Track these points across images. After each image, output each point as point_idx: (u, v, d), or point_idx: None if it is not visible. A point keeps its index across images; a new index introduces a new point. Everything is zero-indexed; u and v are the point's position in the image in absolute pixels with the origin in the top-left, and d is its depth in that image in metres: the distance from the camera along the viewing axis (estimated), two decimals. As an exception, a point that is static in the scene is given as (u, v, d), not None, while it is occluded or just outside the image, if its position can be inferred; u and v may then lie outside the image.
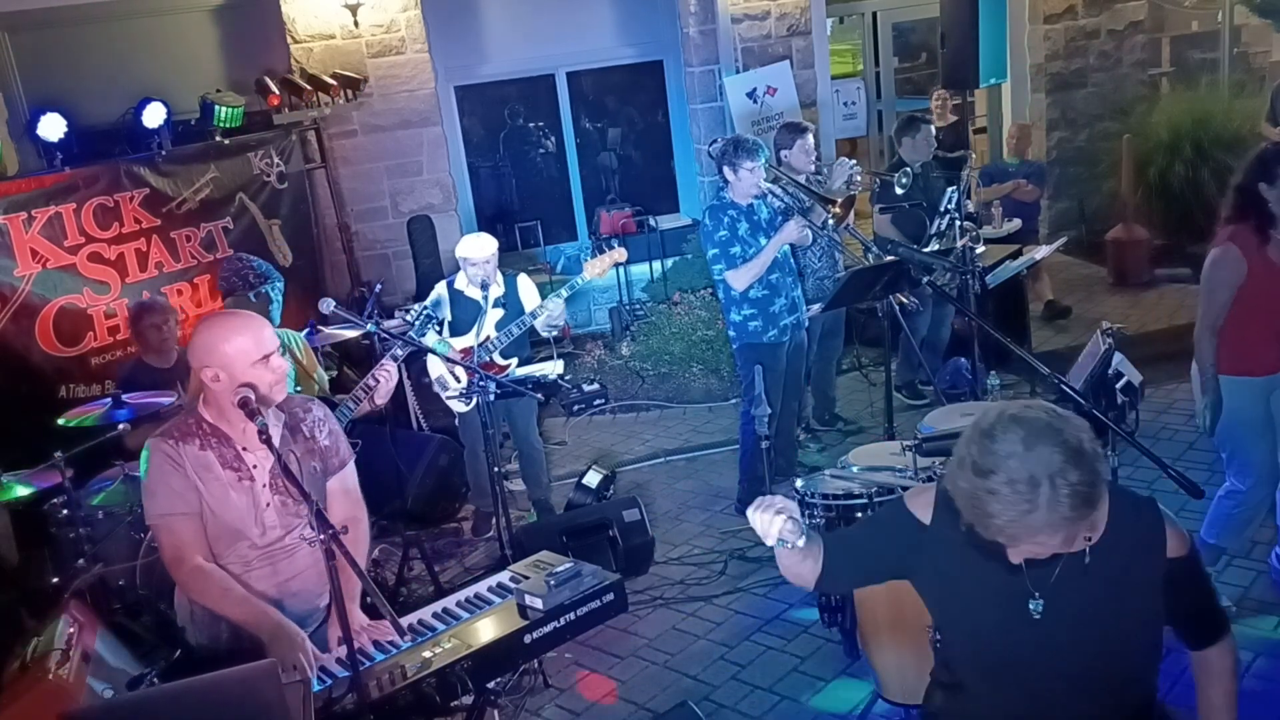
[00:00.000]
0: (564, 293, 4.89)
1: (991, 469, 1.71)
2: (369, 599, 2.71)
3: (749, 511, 2.05)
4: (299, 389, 4.03)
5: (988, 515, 1.72)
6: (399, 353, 4.00)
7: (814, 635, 4.08)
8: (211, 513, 2.69)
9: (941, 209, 5.71)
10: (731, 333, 5.09)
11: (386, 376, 3.86)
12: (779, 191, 4.97)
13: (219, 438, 2.72)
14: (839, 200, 4.88)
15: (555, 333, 5.42)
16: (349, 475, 2.98)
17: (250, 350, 2.62)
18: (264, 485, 2.73)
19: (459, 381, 4.97)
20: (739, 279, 4.85)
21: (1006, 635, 1.90)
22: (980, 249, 5.55)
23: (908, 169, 5.83)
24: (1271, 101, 7.25)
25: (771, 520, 1.98)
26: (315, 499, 2.71)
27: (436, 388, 5.13)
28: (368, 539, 3.05)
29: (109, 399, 4.32)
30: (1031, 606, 1.85)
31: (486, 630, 2.70)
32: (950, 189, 5.71)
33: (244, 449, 2.73)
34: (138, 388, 4.48)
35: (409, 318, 4.17)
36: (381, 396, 3.91)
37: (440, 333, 5.01)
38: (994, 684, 1.97)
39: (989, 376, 4.95)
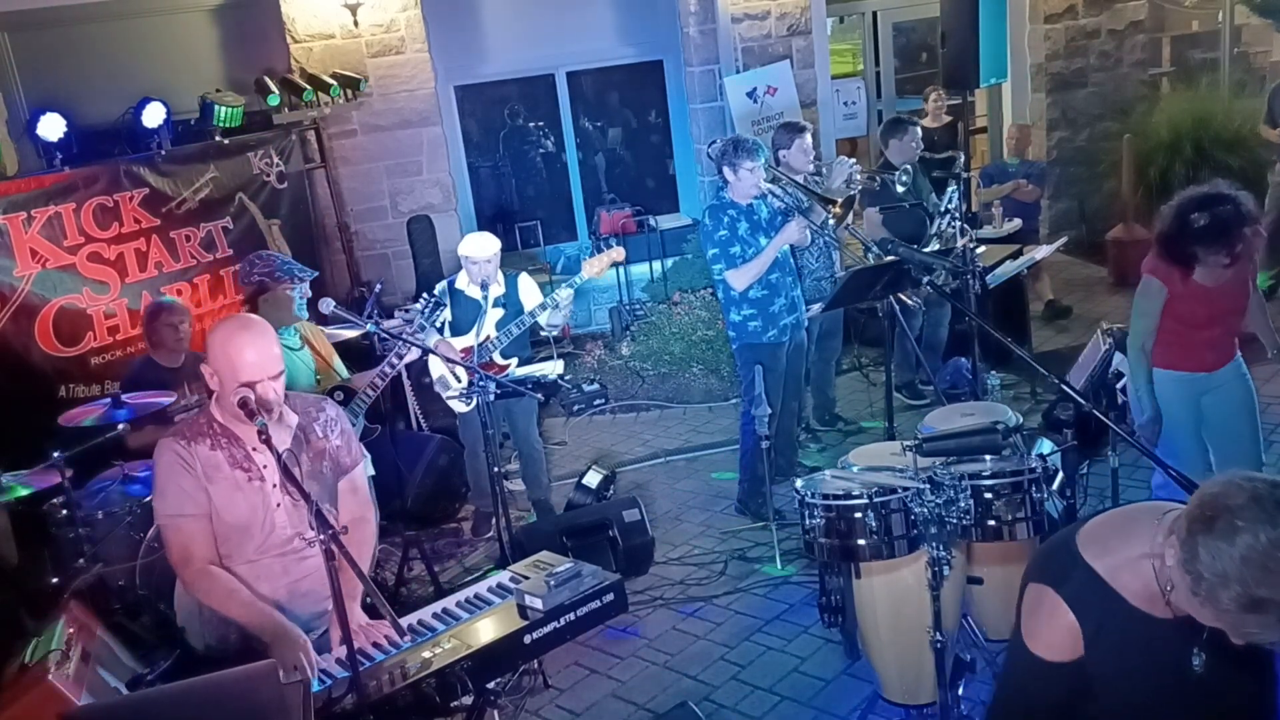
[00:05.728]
0: (575, 282, 4.89)
1: None
2: (369, 599, 2.72)
3: None
4: (319, 379, 4.07)
5: None
6: (403, 351, 4.09)
7: (814, 636, 4.08)
8: (219, 513, 2.70)
9: (943, 209, 5.71)
10: (731, 333, 5.09)
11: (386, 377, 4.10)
12: (779, 191, 4.96)
13: (229, 438, 2.73)
14: (839, 200, 4.87)
15: (555, 331, 5.42)
16: (359, 475, 3.01)
17: (241, 371, 2.62)
18: (274, 485, 2.74)
19: (459, 381, 4.97)
20: (739, 279, 4.84)
21: (1168, 696, 1.88)
22: (979, 249, 5.55)
23: (907, 166, 5.82)
24: (1269, 103, 7.25)
25: None
26: (321, 499, 2.72)
27: (437, 387, 5.13)
28: (375, 539, 3.07)
29: (109, 399, 4.32)
30: (1195, 663, 1.85)
31: (486, 630, 2.70)
32: (950, 189, 5.71)
33: (254, 449, 2.74)
34: (144, 385, 4.48)
35: (409, 314, 4.22)
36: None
37: (441, 331, 5.02)
38: None
39: (989, 376, 4.95)
